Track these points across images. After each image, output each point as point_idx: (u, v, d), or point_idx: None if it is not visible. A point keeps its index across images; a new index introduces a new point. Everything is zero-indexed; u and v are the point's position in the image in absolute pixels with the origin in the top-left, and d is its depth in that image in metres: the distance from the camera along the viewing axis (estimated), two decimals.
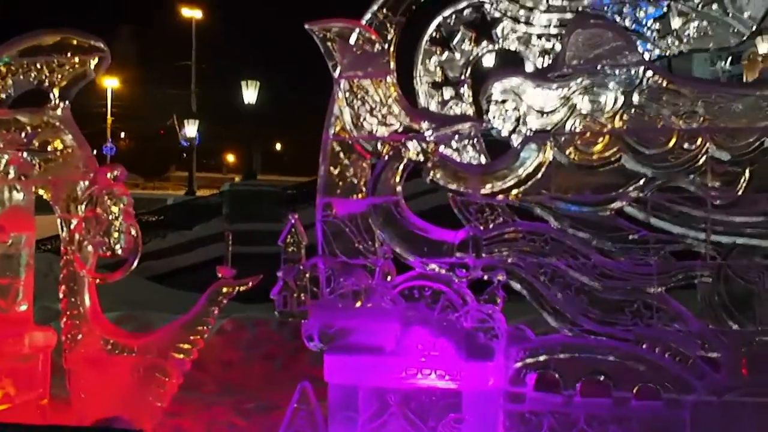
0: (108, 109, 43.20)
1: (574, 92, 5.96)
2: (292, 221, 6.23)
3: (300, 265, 6.12)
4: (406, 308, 5.82)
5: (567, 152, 5.94)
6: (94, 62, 7.75)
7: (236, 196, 24.26)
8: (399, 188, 6.13)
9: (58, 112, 7.77)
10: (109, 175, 7.56)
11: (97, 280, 7.62)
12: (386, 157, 6.14)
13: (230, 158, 57.16)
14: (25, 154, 7.74)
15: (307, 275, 6.07)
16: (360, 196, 6.28)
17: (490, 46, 6.36)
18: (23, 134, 7.77)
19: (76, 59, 7.75)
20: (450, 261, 5.90)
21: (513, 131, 5.98)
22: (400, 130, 6.16)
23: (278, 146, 55.67)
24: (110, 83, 40.07)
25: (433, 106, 6.24)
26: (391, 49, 6.27)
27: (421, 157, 6.05)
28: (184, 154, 45.75)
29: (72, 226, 7.60)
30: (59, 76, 7.79)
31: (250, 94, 28.07)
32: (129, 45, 54.67)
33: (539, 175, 5.97)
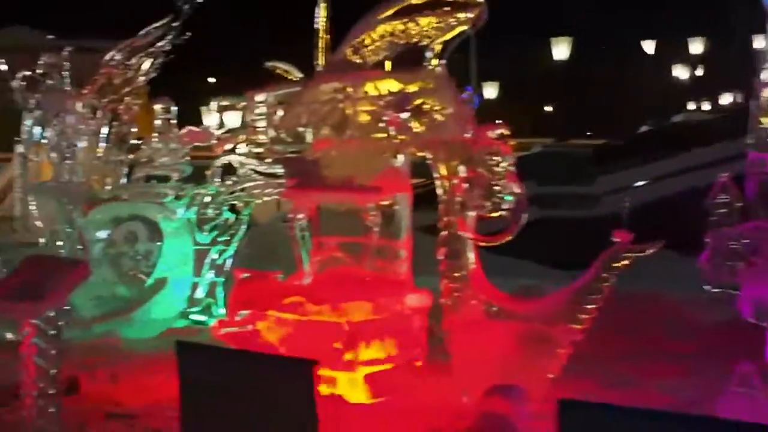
0: None
1: None
2: (723, 179, 5.40)
3: (733, 228, 5.29)
4: None
5: None
6: (471, 17, 7.31)
7: (549, 158, 23.45)
8: None
9: (436, 71, 7.44)
10: (491, 133, 7.13)
11: (481, 243, 7.23)
12: None
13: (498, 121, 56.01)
14: (402, 115, 7.46)
15: (743, 240, 5.22)
16: None
17: None
18: (400, 95, 7.52)
19: (452, 16, 7.36)
20: None
21: None
22: None
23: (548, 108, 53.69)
24: None
25: None
26: None
27: None
28: None
29: (453, 187, 7.28)
30: (435, 34, 7.45)
31: (561, 50, 27.08)
32: None
33: None
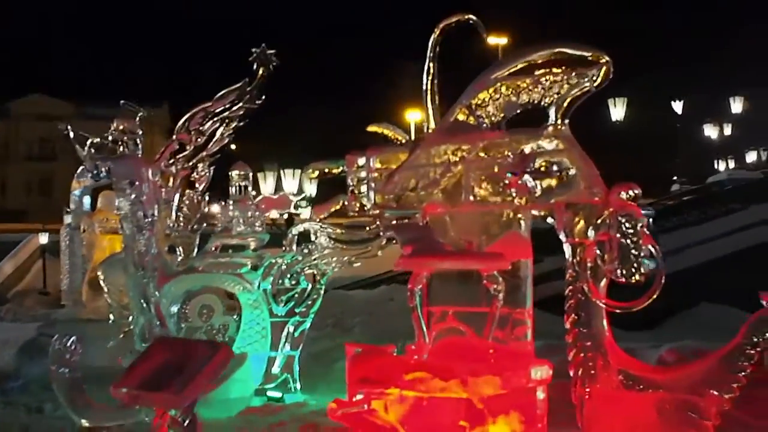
0: None
1: None
2: None
3: None
4: None
5: None
6: (595, 75, 7.32)
7: None
8: None
9: (560, 130, 7.42)
10: (623, 194, 7.08)
11: (615, 309, 7.13)
12: None
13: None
14: (525, 177, 7.42)
15: None
16: None
17: None
18: (521, 156, 7.50)
19: (574, 74, 7.37)
20: None
21: None
22: None
23: None
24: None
25: None
26: None
27: None
28: None
29: (582, 252, 7.20)
30: (557, 94, 7.45)
31: (618, 111, 27.36)
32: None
33: None
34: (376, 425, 7.35)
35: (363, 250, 10.47)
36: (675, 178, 37.45)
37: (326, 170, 9.38)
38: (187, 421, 5.81)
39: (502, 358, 7.40)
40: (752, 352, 6.57)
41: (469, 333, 7.66)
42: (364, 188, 8.74)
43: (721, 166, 40.46)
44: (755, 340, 6.55)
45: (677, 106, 35.78)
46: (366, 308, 15.23)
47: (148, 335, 9.63)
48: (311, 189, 19.73)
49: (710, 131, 38.75)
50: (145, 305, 9.82)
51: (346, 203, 9.13)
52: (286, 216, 11.75)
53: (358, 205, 8.86)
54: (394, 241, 10.00)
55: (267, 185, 18.45)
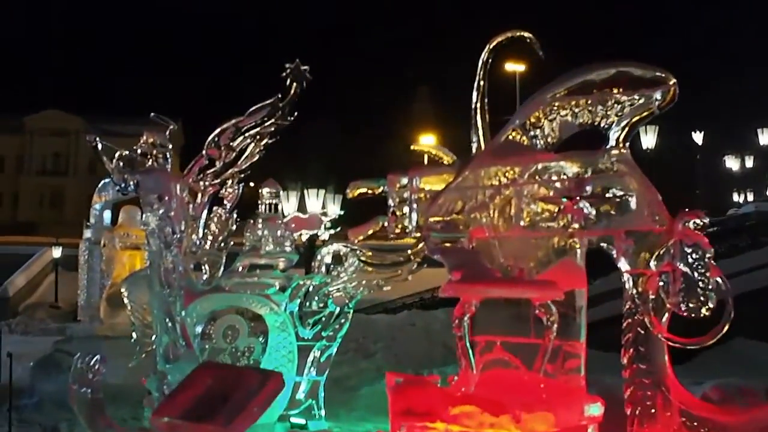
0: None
1: None
2: None
3: None
4: None
5: None
6: (660, 97, 6.90)
7: None
8: None
9: (620, 153, 7.00)
10: (690, 223, 6.65)
11: (687, 345, 6.68)
12: None
13: None
14: (581, 203, 6.99)
15: None
16: None
17: None
18: (578, 179, 7.07)
19: (636, 95, 6.96)
20: None
21: None
22: None
23: None
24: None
25: None
26: None
27: None
28: None
29: (644, 283, 6.76)
30: (617, 114, 7.04)
31: (649, 139, 27.21)
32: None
33: None
34: None
35: (393, 273, 10.04)
36: (686, 209, 37.00)
37: (367, 189, 8.93)
38: None
39: (554, 393, 6.95)
40: None
41: (517, 365, 7.22)
42: (406, 209, 8.28)
43: (740, 198, 40.04)
44: None
45: (697, 137, 35.51)
46: (388, 333, 14.75)
47: (171, 355, 9.19)
48: (334, 209, 19.29)
49: (731, 163, 38.49)
50: (169, 324, 9.36)
51: (385, 225, 8.67)
52: (306, 236, 11.26)
53: (399, 227, 8.41)
54: (425, 265, 9.63)
55: (289, 205, 18.04)
